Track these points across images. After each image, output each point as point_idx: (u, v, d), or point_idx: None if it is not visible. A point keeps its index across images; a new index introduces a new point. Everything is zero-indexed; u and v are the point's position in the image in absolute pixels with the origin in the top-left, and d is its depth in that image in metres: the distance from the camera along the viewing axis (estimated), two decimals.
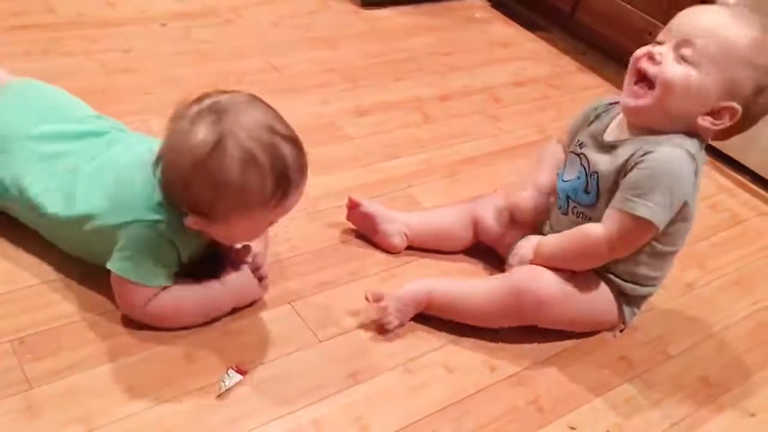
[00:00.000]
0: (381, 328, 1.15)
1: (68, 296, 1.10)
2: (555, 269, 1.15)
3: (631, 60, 1.12)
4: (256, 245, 1.15)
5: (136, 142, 1.14)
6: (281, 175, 0.98)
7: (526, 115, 1.86)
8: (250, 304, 1.14)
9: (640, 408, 1.14)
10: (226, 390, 1.01)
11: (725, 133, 1.13)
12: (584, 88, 2.04)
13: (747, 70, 1.05)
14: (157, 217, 1.02)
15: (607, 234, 1.10)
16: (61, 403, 0.96)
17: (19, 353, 1.00)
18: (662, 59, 1.07)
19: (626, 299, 1.20)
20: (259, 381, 1.04)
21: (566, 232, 1.16)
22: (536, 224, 1.26)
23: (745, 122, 1.10)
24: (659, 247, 1.15)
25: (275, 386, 1.04)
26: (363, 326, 1.16)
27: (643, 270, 1.17)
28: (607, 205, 1.11)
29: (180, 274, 1.08)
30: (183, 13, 1.94)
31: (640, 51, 1.11)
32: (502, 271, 1.25)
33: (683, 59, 1.06)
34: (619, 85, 1.21)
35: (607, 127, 1.18)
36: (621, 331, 1.25)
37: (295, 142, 1.01)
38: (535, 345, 1.19)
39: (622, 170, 1.10)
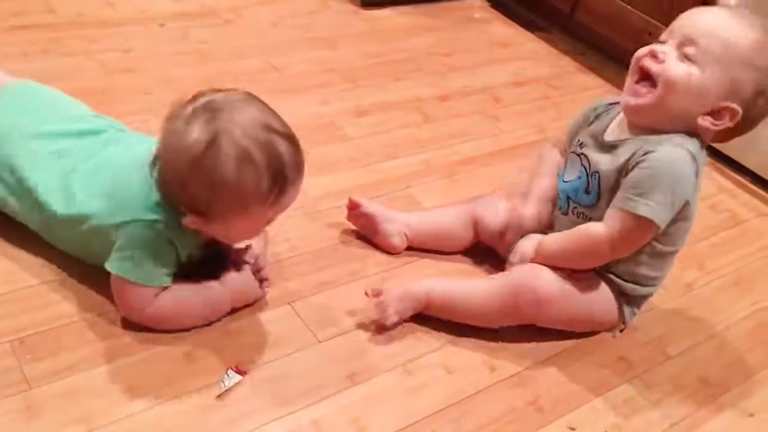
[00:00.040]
0: (380, 328, 1.15)
1: (68, 296, 1.10)
2: (555, 268, 1.16)
3: (633, 59, 1.12)
4: (257, 246, 1.15)
5: (136, 142, 1.14)
6: (277, 173, 0.98)
7: (525, 115, 1.86)
8: (250, 305, 1.14)
9: (640, 408, 1.14)
10: (226, 390, 1.01)
11: (725, 135, 1.13)
12: (584, 89, 2.04)
13: (748, 71, 1.05)
14: (155, 216, 1.02)
15: (609, 233, 1.10)
16: (61, 403, 0.96)
17: (18, 353, 1.00)
18: (665, 57, 1.08)
19: (626, 299, 1.20)
20: (259, 381, 1.04)
21: (568, 232, 1.16)
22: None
23: (744, 124, 1.10)
24: (659, 247, 1.15)
25: (275, 387, 1.04)
26: (362, 327, 1.16)
27: (643, 270, 1.17)
28: (607, 206, 1.12)
29: (181, 275, 1.08)
30: (182, 14, 1.94)
31: (643, 50, 1.11)
32: (503, 271, 1.25)
33: (686, 58, 1.06)
34: (618, 86, 1.21)
35: (607, 127, 1.18)
36: (621, 331, 1.25)
37: (291, 139, 1.01)
38: (534, 345, 1.19)
39: (623, 170, 1.10)
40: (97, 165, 1.09)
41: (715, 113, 1.08)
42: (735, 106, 1.07)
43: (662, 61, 1.08)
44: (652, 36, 1.15)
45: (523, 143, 1.71)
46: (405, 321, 1.17)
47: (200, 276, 1.10)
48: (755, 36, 1.05)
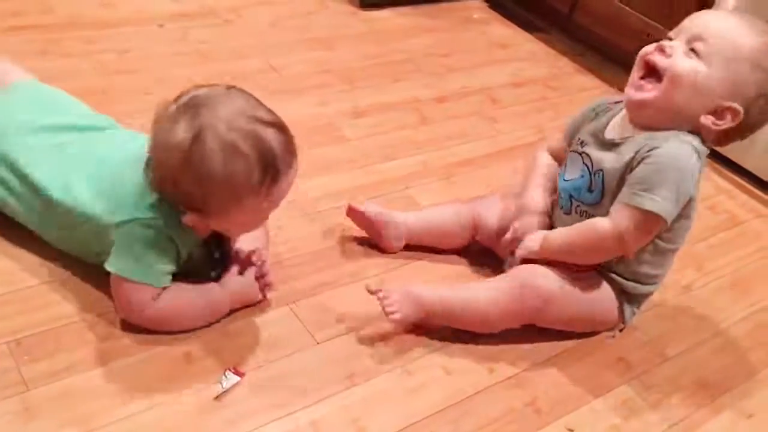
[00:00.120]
0: (373, 338, 1.15)
1: (67, 297, 1.10)
2: (557, 268, 1.16)
3: (639, 55, 1.13)
4: (262, 251, 1.15)
5: (128, 140, 1.15)
6: (267, 162, 0.98)
7: (523, 116, 1.86)
8: (249, 306, 1.14)
9: (638, 409, 1.14)
10: (224, 391, 1.01)
11: (724, 138, 1.13)
12: (582, 89, 2.04)
13: (753, 72, 1.06)
14: (154, 215, 1.02)
15: (616, 229, 1.10)
16: (59, 404, 0.95)
17: (16, 355, 1.00)
18: (673, 52, 1.08)
19: (627, 298, 1.20)
20: (258, 382, 1.04)
21: (574, 226, 1.16)
22: None
23: (743, 127, 1.11)
24: (662, 244, 1.15)
25: (273, 387, 1.04)
26: (361, 328, 1.16)
27: (645, 268, 1.17)
28: (611, 204, 1.12)
29: (181, 276, 1.08)
30: (181, 14, 1.93)
31: (650, 46, 1.12)
32: (501, 272, 1.25)
33: (694, 53, 1.07)
34: (616, 86, 1.21)
35: (606, 125, 1.18)
36: (620, 330, 1.25)
37: (278, 126, 1.01)
38: (533, 346, 1.19)
39: (628, 167, 1.10)
40: (96, 161, 1.10)
41: (717, 112, 1.09)
42: (737, 106, 1.07)
43: (670, 56, 1.08)
44: (650, 37, 1.15)
45: (521, 144, 1.71)
46: (407, 326, 1.16)
47: (201, 277, 1.11)
48: (762, 38, 1.07)
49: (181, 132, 0.96)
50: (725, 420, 1.16)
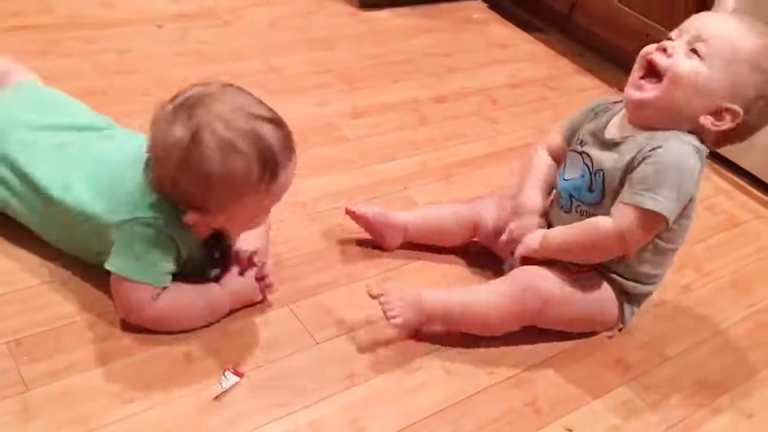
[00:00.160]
0: (373, 338, 1.15)
1: (66, 297, 1.10)
2: (556, 269, 1.16)
3: (640, 54, 1.13)
4: (263, 252, 1.15)
5: (127, 140, 1.15)
6: (266, 158, 0.98)
7: (522, 116, 1.86)
8: (249, 307, 1.14)
9: (638, 410, 1.14)
10: (224, 392, 1.01)
11: (723, 139, 1.13)
12: (581, 90, 2.04)
13: (753, 74, 1.06)
14: (154, 214, 1.02)
15: (618, 228, 1.09)
16: (58, 405, 0.95)
17: (15, 355, 1.00)
18: (674, 52, 1.09)
19: (627, 298, 1.20)
20: (257, 382, 1.04)
21: (574, 225, 1.16)
22: None
23: (743, 129, 1.11)
24: (662, 244, 1.15)
25: (273, 388, 1.04)
26: (360, 328, 1.16)
27: (645, 268, 1.17)
28: (612, 204, 1.12)
29: (181, 276, 1.08)
30: (180, 14, 1.94)
31: (651, 46, 1.12)
32: (501, 272, 1.25)
33: (695, 53, 1.08)
34: (616, 86, 1.21)
35: (606, 125, 1.18)
36: (620, 330, 1.25)
37: (275, 122, 1.01)
38: (532, 347, 1.19)
39: (629, 167, 1.10)
40: (95, 161, 1.10)
41: (716, 113, 1.09)
42: (737, 107, 1.08)
43: (671, 56, 1.09)
44: (650, 37, 1.15)
45: (520, 145, 1.71)
46: (409, 329, 1.16)
47: (201, 277, 1.11)
48: (762, 40, 1.07)
49: (179, 131, 0.96)
50: (725, 420, 1.16)
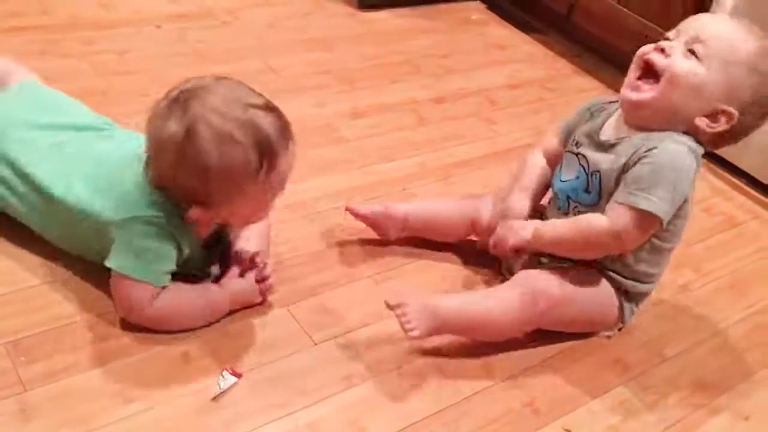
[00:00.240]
0: (371, 339, 1.15)
1: (66, 297, 1.10)
2: (557, 270, 1.16)
3: (637, 54, 1.13)
4: (264, 253, 1.15)
5: (126, 140, 1.15)
6: (263, 147, 0.98)
7: (521, 117, 1.86)
8: (248, 308, 1.14)
9: (636, 410, 1.14)
10: (222, 392, 1.01)
11: (717, 140, 1.13)
12: (579, 91, 2.04)
13: (750, 76, 1.07)
14: (154, 212, 1.02)
15: (612, 227, 1.10)
16: (56, 405, 0.95)
17: (12, 356, 1.00)
18: (672, 52, 1.09)
19: (626, 296, 1.20)
20: (256, 383, 1.04)
21: (568, 220, 1.17)
22: None
23: (737, 131, 1.11)
24: (659, 243, 1.15)
25: (271, 388, 1.04)
26: (358, 328, 1.16)
27: (643, 267, 1.17)
28: None
29: (181, 277, 1.08)
30: (178, 15, 1.94)
31: (649, 45, 1.12)
32: (499, 272, 1.25)
33: (692, 54, 1.08)
34: (614, 88, 1.21)
35: (602, 125, 1.18)
36: (619, 329, 1.25)
37: (270, 110, 1.01)
38: (531, 347, 1.19)
39: (625, 168, 1.10)
40: (95, 161, 1.10)
41: (712, 115, 1.09)
42: (732, 109, 1.08)
43: (669, 56, 1.09)
44: (648, 38, 1.15)
45: (519, 146, 1.71)
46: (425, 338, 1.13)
47: (200, 275, 1.11)
48: (758, 44, 1.07)
49: (174, 126, 0.97)
50: (722, 421, 1.16)
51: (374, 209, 1.30)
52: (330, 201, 1.40)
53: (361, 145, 1.61)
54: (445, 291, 1.27)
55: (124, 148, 1.10)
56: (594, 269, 1.18)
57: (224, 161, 0.96)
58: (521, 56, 2.18)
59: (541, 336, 1.20)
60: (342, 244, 1.32)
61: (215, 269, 1.16)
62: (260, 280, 1.13)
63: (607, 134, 1.17)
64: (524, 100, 1.95)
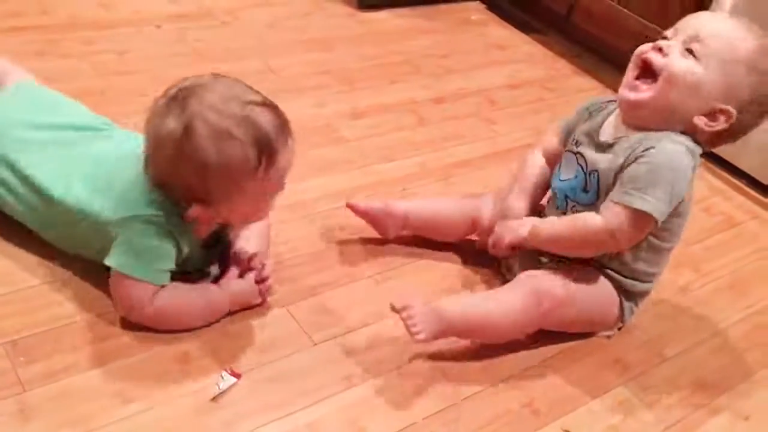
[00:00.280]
0: (371, 339, 1.15)
1: (66, 297, 1.10)
2: (558, 271, 1.16)
3: (635, 53, 1.13)
4: (263, 255, 1.15)
5: (125, 139, 1.15)
6: (261, 143, 0.98)
7: (521, 117, 1.86)
8: (248, 309, 1.14)
9: (636, 410, 1.14)
10: (221, 393, 1.01)
11: (716, 139, 1.13)
12: (579, 91, 2.04)
13: (748, 75, 1.06)
14: (154, 211, 1.02)
15: (607, 226, 1.10)
16: (55, 406, 0.95)
17: (11, 356, 1.00)
18: (670, 51, 1.09)
19: (626, 295, 1.21)
20: (255, 383, 1.04)
21: (565, 218, 1.17)
22: None
23: (735, 130, 1.11)
24: (657, 242, 1.15)
25: (271, 389, 1.04)
26: (358, 329, 1.16)
27: (641, 266, 1.18)
28: None
29: (181, 277, 1.08)
30: (178, 15, 1.94)
31: (647, 45, 1.12)
32: (500, 272, 1.25)
33: (690, 54, 1.07)
34: (614, 88, 1.21)
35: (601, 125, 1.18)
36: (619, 329, 1.25)
37: (267, 105, 1.01)
38: (530, 347, 1.19)
39: (623, 168, 1.10)
40: (94, 161, 1.10)
41: (710, 114, 1.09)
42: (731, 109, 1.08)
43: (667, 55, 1.09)
44: (648, 39, 1.15)
45: (519, 146, 1.71)
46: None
47: (199, 274, 1.11)
48: (757, 43, 1.07)
49: (172, 124, 0.97)
50: (722, 421, 1.16)
51: (375, 206, 1.30)
52: (330, 201, 1.40)
53: (360, 146, 1.60)
54: (445, 291, 1.27)
55: (123, 148, 1.10)
56: (594, 268, 1.18)
57: (222, 158, 0.96)
58: (521, 56, 2.18)
59: (541, 336, 1.19)
60: (342, 244, 1.32)
61: (214, 269, 1.16)
62: (259, 281, 1.13)
63: (605, 134, 1.17)
64: (524, 100, 1.95)
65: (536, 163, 1.29)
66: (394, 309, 1.08)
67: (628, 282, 1.19)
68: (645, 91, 1.10)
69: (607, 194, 1.12)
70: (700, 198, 1.66)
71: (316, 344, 1.12)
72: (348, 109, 1.72)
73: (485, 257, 1.32)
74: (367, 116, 1.71)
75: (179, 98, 0.98)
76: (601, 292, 1.18)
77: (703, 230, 1.58)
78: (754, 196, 1.74)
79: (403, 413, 1.05)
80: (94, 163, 1.10)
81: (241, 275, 1.13)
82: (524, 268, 1.22)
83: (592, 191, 1.15)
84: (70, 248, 1.13)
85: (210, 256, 1.16)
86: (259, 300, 1.14)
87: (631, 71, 1.13)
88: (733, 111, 1.08)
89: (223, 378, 1.02)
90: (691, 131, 1.11)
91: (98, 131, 1.19)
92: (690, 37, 1.08)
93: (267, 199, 1.07)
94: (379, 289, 1.25)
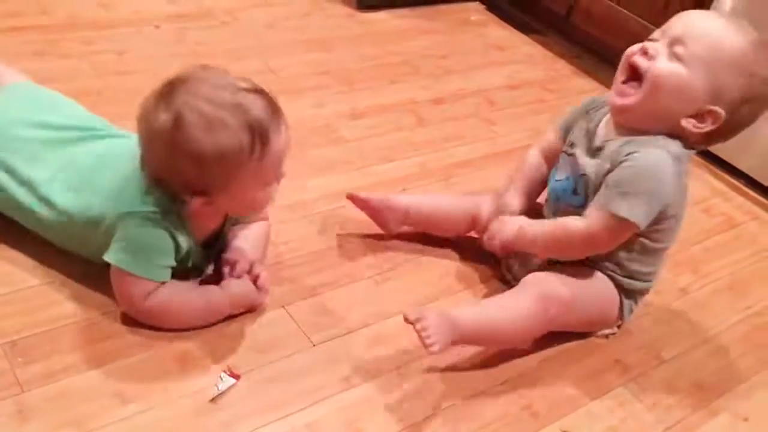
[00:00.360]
0: (370, 339, 1.15)
1: (66, 298, 1.09)
2: (559, 271, 1.16)
3: (624, 55, 1.12)
4: (252, 254, 1.15)
5: (123, 139, 1.15)
6: (252, 127, 0.98)
7: (520, 118, 1.86)
8: (248, 310, 1.14)
9: (634, 412, 1.14)
10: (220, 394, 1.01)
11: (706, 140, 1.13)
12: (579, 92, 2.04)
13: (736, 77, 1.05)
14: (153, 208, 1.02)
15: (587, 229, 1.11)
16: (54, 406, 0.95)
17: (10, 356, 1.00)
18: (656, 54, 1.08)
19: (625, 293, 1.21)
20: (254, 384, 1.04)
21: (551, 221, 1.18)
22: None
23: (727, 129, 1.11)
24: (650, 244, 1.16)
25: (269, 389, 1.04)
26: (357, 329, 1.16)
27: (635, 266, 1.18)
28: None
29: (178, 272, 1.08)
30: (177, 15, 1.93)
31: (634, 47, 1.11)
32: (499, 270, 1.25)
33: (675, 57, 1.07)
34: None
35: (597, 125, 1.18)
36: (618, 327, 1.25)
37: (257, 92, 1.01)
38: (529, 349, 1.19)
39: (608, 172, 1.10)
40: (91, 159, 1.10)
41: (698, 116, 1.08)
42: (718, 109, 1.07)
43: (652, 58, 1.08)
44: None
45: (518, 147, 1.71)
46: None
47: (197, 274, 1.12)
48: (747, 42, 1.05)
49: (162, 116, 0.96)
50: (721, 423, 1.16)
51: (375, 197, 1.30)
52: (329, 201, 1.40)
53: (360, 146, 1.60)
54: (444, 291, 1.27)
55: (120, 147, 1.10)
56: (593, 268, 1.18)
57: (216, 146, 0.96)
58: (520, 57, 2.18)
59: (540, 337, 1.19)
60: (342, 244, 1.32)
61: (212, 266, 1.16)
62: (254, 280, 1.13)
63: (598, 137, 1.17)
64: (524, 100, 1.95)
65: (534, 161, 1.30)
66: (407, 320, 1.03)
67: (625, 281, 1.19)
68: (631, 96, 1.10)
69: (594, 197, 1.13)
70: (700, 199, 1.66)
71: (315, 345, 1.12)
72: (347, 110, 1.72)
73: (485, 255, 1.32)
74: (367, 116, 1.71)
75: (167, 92, 0.98)
76: (603, 290, 1.19)
77: (702, 231, 1.58)
78: (753, 197, 1.74)
79: (402, 414, 1.05)
80: (91, 162, 1.10)
81: (237, 276, 1.12)
82: (524, 268, 1.22)
83: (582, 195, 1.15)
84: (69, 247, 1.13)
85: (209, 254, 1.16)
86: (259, 301, 1.14)
87: (620, 74, 1.13)
88: (721, 112, 1.07)
89: (222, 379, 1.02)
90: (679, 133, 1.10)
91: (94, 131, 1.18)
92: (675, 39, 1.07)
93: (266, 187, 1.06)
94: (378, 290, 1.25)
